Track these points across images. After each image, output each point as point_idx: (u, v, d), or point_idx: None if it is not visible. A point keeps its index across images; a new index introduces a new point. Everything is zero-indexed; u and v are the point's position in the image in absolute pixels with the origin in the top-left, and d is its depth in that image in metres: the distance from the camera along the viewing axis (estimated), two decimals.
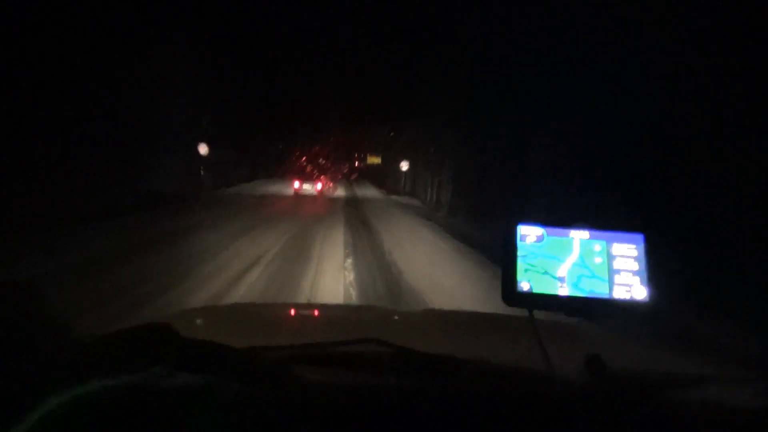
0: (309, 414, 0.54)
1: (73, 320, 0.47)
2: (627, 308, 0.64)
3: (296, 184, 17.98)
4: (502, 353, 0.96)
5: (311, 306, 2.37)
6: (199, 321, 1.18)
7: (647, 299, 0.64)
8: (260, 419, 0.47)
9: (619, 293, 0.64)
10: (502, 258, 0.67)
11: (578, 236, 0.67)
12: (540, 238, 0.67)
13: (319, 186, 18.44)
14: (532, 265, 0.66)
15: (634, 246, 0.66)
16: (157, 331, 0.44)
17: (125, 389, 0.42)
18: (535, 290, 0.65)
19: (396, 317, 1.49)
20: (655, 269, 0.65)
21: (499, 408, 0.68)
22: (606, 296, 0.64)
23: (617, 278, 0.65)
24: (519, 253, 0.66)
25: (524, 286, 0.65)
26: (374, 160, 32.77)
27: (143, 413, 0.52)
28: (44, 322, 0.42)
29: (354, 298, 4.26)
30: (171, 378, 0.43)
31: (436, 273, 5.47)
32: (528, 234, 0.67)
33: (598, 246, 0.67)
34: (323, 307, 2.06)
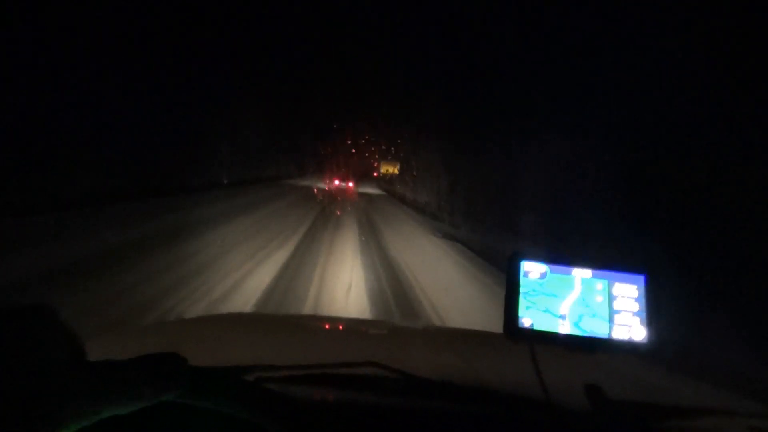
0: None
1: (87, 341, 0.48)
2: (626, 348, 0.65)
3: (336, 181, 27.22)
4: (503, 377, 0.97)
5: (313, 318, 2.39)
6: (199, 333, 1.20)
7: (646, 341, 0.65)
8: None
9: (619, 333, 0.65)
10: (506, 293, 0.68)
11: (580, 274, 0.68)
12: (543, 275, 0.69)
13: (351, 184, 27.66)
14: (534, 302, 0.67)
15: (635, 286, 0.67)
16: (167, 359, 0.46)
17: (136, 417, 0.44)
18: (536, 327, 0.66)
19: (397, 335, 1.51)
20: (656, 310, 0.66)
21: None
22: (605, 336, 0.65)
23: (617, 318, 0.66)
24: (521, 289, 0.68)
25: (526, 321, 0.67)
26: (389, 167, 33.30)
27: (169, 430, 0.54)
28: (58, 346, 0.42)
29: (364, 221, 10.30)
30: (181, 405, 0.46)
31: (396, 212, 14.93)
32: (531, 270, 0.69)
33: (599, 285, 0.68)
34: (326, 321, 2.08)
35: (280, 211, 12.00)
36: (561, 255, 0.69)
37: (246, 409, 0.48)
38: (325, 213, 12.30)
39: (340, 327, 1.58)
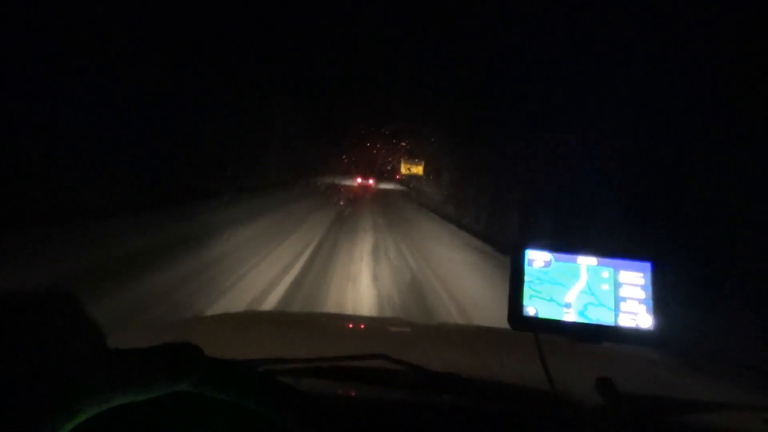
0: (317, 425, 0.56)
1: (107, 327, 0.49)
2: (632, 336, 0.64)
3: (359, 179, 30.00)
4: (514, 372, 0.96)
5: (326, 317, 2.40)
6: (215, 329, 1.21)
7: (652, 328, 0.64)
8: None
9: (625, 321, 0.65)
10: (510, 282, 0.68)
11: (586, 262, 0.68)
12: (547, 263, 0.68)
13: (371, 181, 30.35)
14: (538, 291, 0.67)
15: (641, 274, 0.66)
16: (183, 349, 0.46)
17: (152, 405, 0.45)
18: (541, 315, 0.66)
19: (410, 331, 1.51)
20: (663, 298, 0.65)
21: (506, 428, 0.69)
22: (611, 324, 0.65)
23: (623, 306, 0.65)
24: (526, 278, 0.67)
25: (530, 310, 0.66)
26: (411, 166, 32.71)
27: (169, 428, 0.55)
28: (77, 333, 0.43)
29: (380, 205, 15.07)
30: (195, 394, 0.46)
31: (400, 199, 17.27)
32: (535, 259, 0.68)
33: (605, 273, 0.67)
34: (339, 318, 2.09)
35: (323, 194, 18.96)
36: (566, 243, 0.68)
37: (258, 401, 0.48)
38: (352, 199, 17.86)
39: (352, 324, 1.59)
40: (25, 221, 5.91)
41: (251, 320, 1.51)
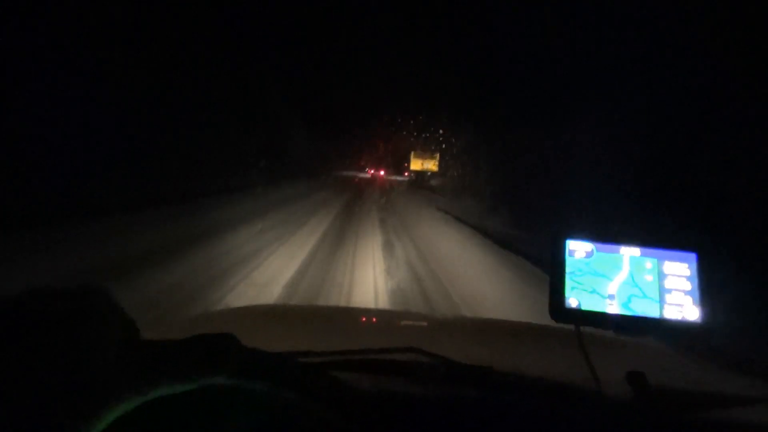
0: (352, 420, 0.55)
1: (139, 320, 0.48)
2: (678, 329, 0.62)
3: (371, 171, 34.81)
4: (539, 365, 0.95)
5: (349, 310, 2.40)
6: (243, 321, 1.21)
7: (700, 320, 0.62)
8: (309, 424, 0.49)
9: (670, 313, 0.63)
10: (550, 272, 0.66)
11: (628, 253, 0.66)
12: (589, 254, 0.66)
13: (381, 173, 34.27)
14: (580, 282, 0.65)
15: (686, 265, 0.64)
16: (221, 339, 0.45)
17: (192, 395, 0.44)
18: (584, 307, 0.64)
19: (431, 324, 1.50)
20: (709, 289, 0.63)
21: (539, 422, 0.68)
22: (656, 316, 0.63)
23: (668, 298, 0.63)
24: (567, 269, 0.65)
25: (572, 302, 0.64)
26: (423, 161, 29.96)
27: (209, 417, 0.54)
28: (112, 326, 0.43)
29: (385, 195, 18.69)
30: (233, 385, 0.45)
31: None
32: (576, 249, 0.66)
33: (648, 264, 0.65)
34: (361, 312, 2.08)
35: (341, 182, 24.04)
36: (608, 232, 0.66)
37: (296, 391, 0.47)
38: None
39: (374, 318, 1.58)
40: (82, 215, 6.47)
41: (274, 313, 1.50)
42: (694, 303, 0.63)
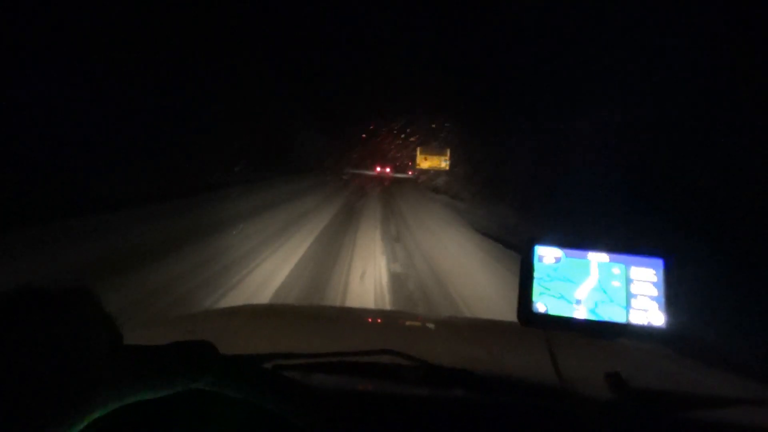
0: (328, 422, 0.57)
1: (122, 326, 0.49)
2: (644, 334, 0.64)
3: (378, 168, 36.25)
4: (524, 367, 0.96)
5: (335, 310, 2.41)
6: (228, 322, 1.23)
7: (665, 326, 0.63)
8: (286, 428, 0.51)
9: (636, 318, 0.64)
10: (519, 277, 0.67)
11: (597, 259, 0.67)
12: (558, 260, 0.67)
13: (388, 170, 36.21)
14: (548, 288, 0.66)
15: (653, 270, 0.66)
16: (200, 347, 0.47)
17: (171, 401, 0.46)
18: (551, 312, 0.65)
19: (419, 325, 1.51)
20: (675, 295, 0.64)
21: (515, 423, 0.69)
22: (622, 322, 0.64)
23: (634, 303, 0.65)
24: (536, 274, 0.67)
25: (540, 307, 0.66)
26: (430, 157, 28.09)
27: (188, 423, 0.56)
28: (94, 329, 0.43)
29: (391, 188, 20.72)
30: (212, 391, 0.47)
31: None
32: (545, 255, 0.68)
33: (616, 269, 0.66)
34: (347, 312, 2.10)
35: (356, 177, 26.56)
36: (576, 239, 0.68)
37: (267, 398, 0.49)
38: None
39: (360, 318, 1.60)
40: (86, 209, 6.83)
41: (261, 314, 1.52)
42: (659, 308, 0.64)
